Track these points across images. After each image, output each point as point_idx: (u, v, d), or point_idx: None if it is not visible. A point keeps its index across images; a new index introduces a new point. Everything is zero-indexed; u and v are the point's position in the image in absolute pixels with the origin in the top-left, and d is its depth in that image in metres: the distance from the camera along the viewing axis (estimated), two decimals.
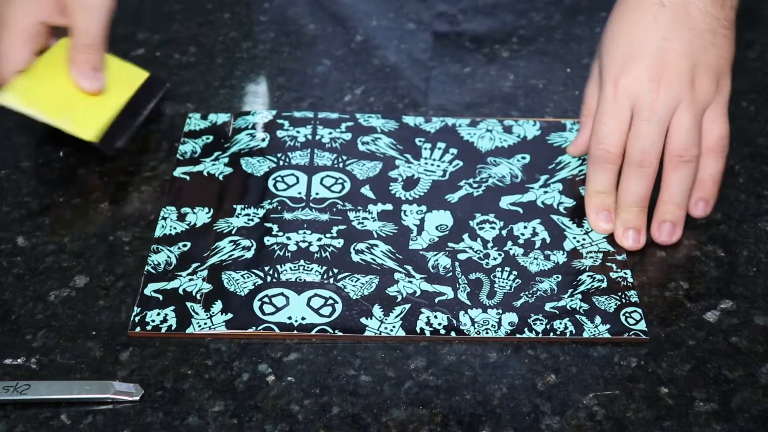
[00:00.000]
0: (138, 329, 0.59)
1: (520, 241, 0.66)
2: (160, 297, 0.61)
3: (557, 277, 0.63)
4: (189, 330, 0.59)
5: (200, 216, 0.67)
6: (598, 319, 0.60)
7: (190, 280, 0.62)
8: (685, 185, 0.66)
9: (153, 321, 0.60)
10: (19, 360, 0.58)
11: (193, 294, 0.61)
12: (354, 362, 0.58)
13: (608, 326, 0.60)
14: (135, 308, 0.61)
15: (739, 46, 0.86)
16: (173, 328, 0.59)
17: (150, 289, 0.62)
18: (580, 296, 0.62)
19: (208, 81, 0.82)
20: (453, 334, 0.59)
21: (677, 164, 0.65)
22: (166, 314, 0.60)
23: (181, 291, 0.62)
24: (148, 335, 0.59)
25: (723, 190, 0.69)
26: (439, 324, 0.60)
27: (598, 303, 0.62)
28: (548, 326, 0.60)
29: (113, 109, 0.72)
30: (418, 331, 0.59)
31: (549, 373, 0.57)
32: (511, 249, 0.65)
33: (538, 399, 0.56)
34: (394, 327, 0.60)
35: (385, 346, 0.59)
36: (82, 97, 0.70)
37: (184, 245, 0.65)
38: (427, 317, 0.60)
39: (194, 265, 0.64)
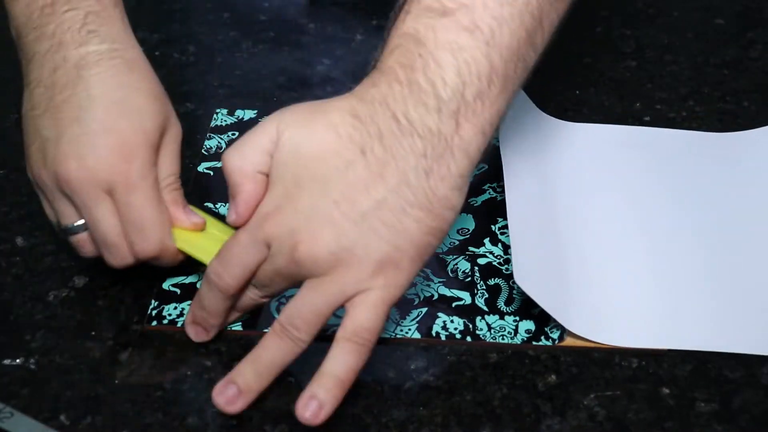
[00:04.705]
0: (155, 323, 0.59)
1: None
2: (178, 291, 0.62)
3: None
4: None
5: (222, 212, 0.67)
6: None
7: None
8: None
9: (170, 315, 0.60)
10: (18, 360, 0.58)
11: None
12: None
13: None
14: (152, 302, 0.61)
15: (739, 46, 0.86)
16: None
17: (168, 284, 0.62)
18: None
19: (207, 80, 0.82)
20: (469, 339, 0.59)
21: (273, 333, 0.53)
22: (183, 309, 0.60)
23: (198, 285, 0.62)
24: (165, 329, 0.59)
25: None
26: (455, 329, 0.59)
27: None
28: (565, 334, 0.59)
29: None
30: (434, 335, 0.59)
31: (549, 373, 0.57)
32: None
33: (539, 399, 0.56)
34: (410, 330, 0.59)
35: (385, 347, 0.58)
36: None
37: None
38: (443, 321, 0.60)
39: None
